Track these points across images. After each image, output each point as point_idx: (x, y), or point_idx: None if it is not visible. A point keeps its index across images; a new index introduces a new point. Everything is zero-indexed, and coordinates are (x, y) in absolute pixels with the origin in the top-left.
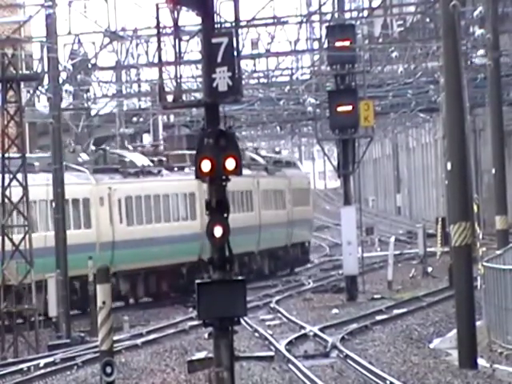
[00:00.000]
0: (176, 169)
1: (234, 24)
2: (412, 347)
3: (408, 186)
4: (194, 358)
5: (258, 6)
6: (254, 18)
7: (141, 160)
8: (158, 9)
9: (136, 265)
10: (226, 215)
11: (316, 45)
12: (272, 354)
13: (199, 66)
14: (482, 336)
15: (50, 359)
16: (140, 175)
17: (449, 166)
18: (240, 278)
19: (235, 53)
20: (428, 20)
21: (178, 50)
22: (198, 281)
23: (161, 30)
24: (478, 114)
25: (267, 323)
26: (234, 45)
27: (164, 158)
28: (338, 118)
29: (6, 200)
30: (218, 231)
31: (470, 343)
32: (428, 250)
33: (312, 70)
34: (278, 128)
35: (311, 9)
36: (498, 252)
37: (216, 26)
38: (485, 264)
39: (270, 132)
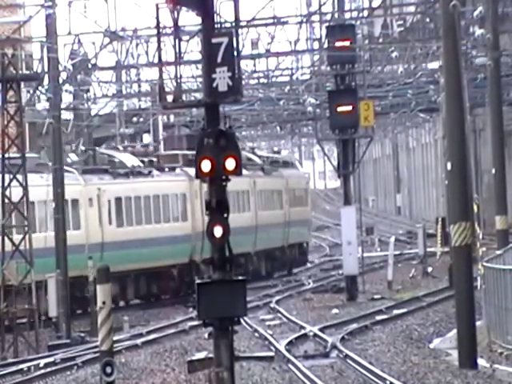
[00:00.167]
0: (167, 169)
1: (234, 24)
2: (412, 347)
3: (408, 186)
4: (193, 357)
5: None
6: (254, 18)
7: (131, 160)
8: (157, 9)
9: (126, 266)
10: (226, 215)
11: (316, 45)
12: (272, 354)
13: (199, 65)
14: (482, 336)
15: (50, 359)
16: (130, 176)
17: (449, 166)
18: (240, 277)
19: (235, 53)
20: (428, 20)
21: (177, 50)
22: (198, 281)
23: (161, 30)
24: (478, 113)
25: (267, 323)
26: (234, 45)
27: (154, 159)
28: (338, 117)
29: (6, 200)
30: (217, 231)
31: (469, 343)
32: (428, 249)
33: (312, 69)
34: (278, 128)
35: (311, 9)
36: (498, 252)
37: (216, 25)
38: (485, 264)
39: (269, 132)
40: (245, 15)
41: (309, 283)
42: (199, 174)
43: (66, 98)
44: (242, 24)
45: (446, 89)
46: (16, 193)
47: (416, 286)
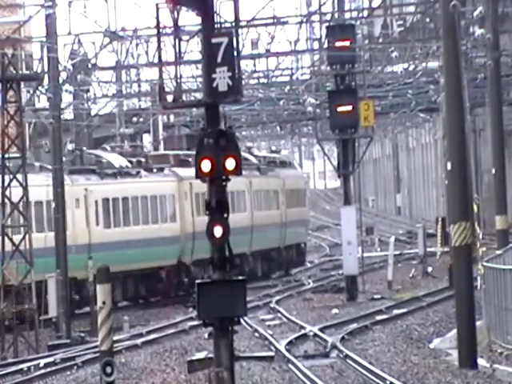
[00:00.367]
0: (155, 170)
1: (234, 24)
2: (412, 347)
3: (408, 186)
4: (193, 357)
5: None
6: (254, 18)
7: (118, 161)
8: (157, 9)
9: (113, 268)
10: (225, 215)
11: (316, 45)
12: (272, 354)
13: (199, 65)
14: (482, 336)
15: (50, 359)
16: (118, 176)
17: (449, 166)
18: (240, 277)
19: (235, 53)
20: (428, 20)
21: (177, 50)
22: (198, 281)
23: (161, 30)
24: (478, 113)
25: (267, 323)
26: (234, 45)
27: (143, 159)
28: (338, 118)
29: (6, 200)
30: (217, 231)
31: (470, 343)
32: (428, 250)
33: (312, 69)
34: (278, 128)
35: (311, 9)
36: (498, 252)
37: (216, 25)
38: (485, 264)
39: (269, 132)
40: (245, 15)
41: (309, 283)
42: (199, 174)
43: (66, 98)
44: (242, 24)
45: (446, 89)
46: (16, 193)
47: (416, 286)
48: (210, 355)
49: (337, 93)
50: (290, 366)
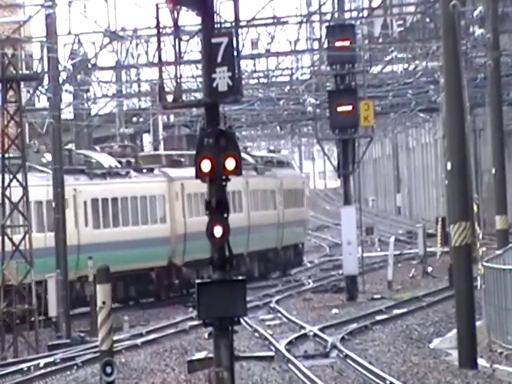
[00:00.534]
0: (145, 170)
1: (234, 24)
2: (412, 347)
3: (408, 185)
4: (194, 357)
5: (258, 5)
6: (254, 18)
7: (108, 161)
8: (157, 9)
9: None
10: (225, 215)
11: (316, 45)
12: (272, 354)
13: (199, 65)
14: (482, 336)
15: (50, 359)
16: (107, 177)
17: (449, 166)
18: (240, 277)
19: (235, 53)
20: (428, 20)
21: (177, 50)
22: (198, 281)
23: (161, 30)
24: (478, 113)
25: (267, 323)
26: (234, 45)
27: (132, 160)
28: (338, 118)
29: (6, 200)
30: (217, 231)
31: (470, 343)
32: (428, 250)
33: (312, 69)
34: (278, 128)
35: (311, 9)
36: (498, 252)
37: (216, 26)
38: (485, 264)
39: (269, 132)
40: (245, 15)
41: (309, 283)
42: (199, 174)
43: (66, 98)
44: (242, 24)
45: (445, 89)
46: (16, 193)
47: (416, 286)
48: (210, 355)
49: (337, 93)
50: (290, 366)
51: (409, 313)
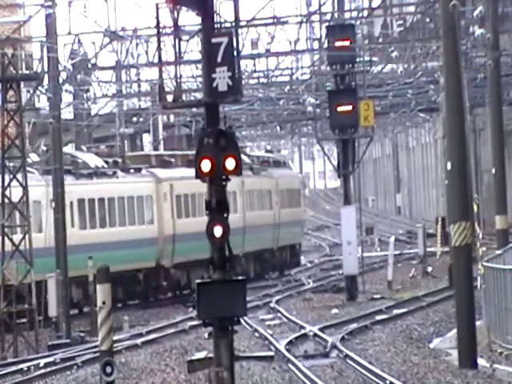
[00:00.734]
0: (132, 170)
1: (233, 24)
2: (412, 347)
3: (408, 185)
4: (193, 357)
5: (257, 5)
6: (253, 18)
7: (94, 161)
8: (157, 9)
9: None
10: (225, 215)
11: (316, 45)
12: (272, 353)
13: (199, 65)
14: (481, 336)
15: (50, 359)
16: (93, 177)
17: (449, 166)
18: (240, 277)
19: (235, 53)
20: (428, 20)
21: (177, 50)
22: (198, 280)
23: (161, 30)
24: (478, 113)
25: (267, 323)
26: (234, 45)
27: (119, 160)
28: (338, 117)
29: (6, 200)
30: (217, 231)
31: (469, 343)
32: (428, 249)
33: (312, 69)
34: (278, 128)
35: (311, 9)
36: (498, 252)
37: (216, 25)
38: (485, 264)
39: (269, 132)
40: (245, 15)
41: (309, 283)
42: (199, 174)
43: (66, 98)
44: (242, 24)
45: (445, 89)
46: (16, 193)
47: (416, 286)
48: (210, 355)
49: (337, 93)
50: (290, 365)
51: (409, 313)
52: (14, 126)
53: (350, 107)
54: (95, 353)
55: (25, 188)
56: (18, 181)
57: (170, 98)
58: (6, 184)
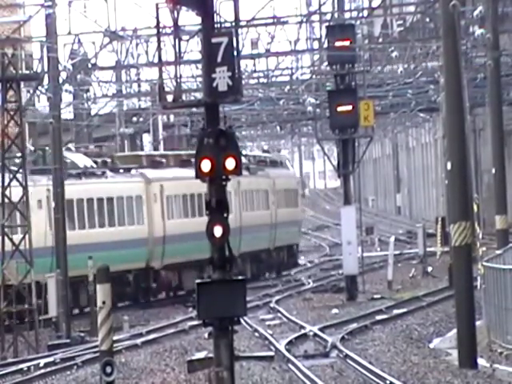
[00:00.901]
0: (122, 170)
1: (233, 24)
2: (412, 347)
3: (408, 185)
4: (193, 357)
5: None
6: (253, 18)
7: (83, 161)
8: (157, 9)
9: (78, 271)
10: (225, 215)
11: (316, 45)
12: (272, 353)
13: (199, 65)
14: (481, 336)
15: (50, 359)
16: (82, 177)
17: (449, 166)
18: (240, 277)
19: (235, 53)
20: (428, 20)
21: (177, 50)
22: (197, 280)
23: (161, 30)
24: (478, 113)
25: (267, 323)
26: (234, 45)
27: (109, 160)
28: (338, 117)
29: (6, 200)
30: (217, 231)
31: (469, 343)
32: (428, 249)
33: (312, 69)
34: (278, 128)
35: (311, 9)
36: (498, 252)
37: (216, 25)
38: (485, 264)
39: (269, 132)
40: (245, 15)
41: (309, 283)
42: (199, 174)
43: (66, 98)
44: (242, 24)
45: (445, 89)
46: (16, 193)
47: (416, 286)
48: (210, 355)
49: (337, 93)
50: (290, 365)
51: (409, 313)
52: (14, 126)
53: (349, 107)
54: (95, 353)
55: (25, 188)
56: (18, 181)
57: (170, 97)
58: (5, 184)
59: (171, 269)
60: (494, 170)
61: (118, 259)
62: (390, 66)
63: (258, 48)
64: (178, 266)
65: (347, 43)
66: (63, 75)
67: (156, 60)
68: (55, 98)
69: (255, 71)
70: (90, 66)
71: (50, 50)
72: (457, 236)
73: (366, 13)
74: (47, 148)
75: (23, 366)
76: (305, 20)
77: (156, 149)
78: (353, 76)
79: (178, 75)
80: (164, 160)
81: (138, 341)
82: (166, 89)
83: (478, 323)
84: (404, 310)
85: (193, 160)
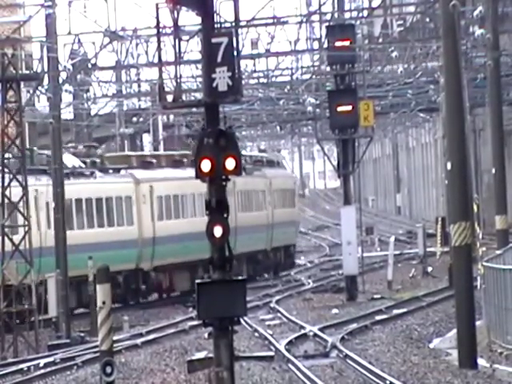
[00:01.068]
0: (111, 171)
1: (233, 24)
2: (412, 347)
3: (408, 185)
4: (193, 357)
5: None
6: (253, 18)
7: (71, 161)
8: (157, 9)
9: (71, 272)
10: (225, 215)
11: (316, 45)
12: (272, 353)
13: (199, 65)
14: (481, 336)
15: (50, 359)
16: (70, 177)
17: (449, 166)
18: (240, 277)
19: (235, 53)
20: (428, 20)
21: (177, 50)
22: (198, 280)
23: (161, 30)
24: (478, 113)
25: (267, 323)
26: (234, 45)
27: (98, 160)
28: (338, 117)
29: (6, 200)
30: (217, 231)
31: (469, 343)
32: (428, 249)
33: (312, 69)
34: (278, 128)
35: (311, 9)
36: (498, 252)
37: (216, 25)
38: (485, 264)
39: (270, 132)
40: (245, 15)
41: (309, 283)
42: (199, 174)
43: (66, 98)
44: (242, 24)
45: (445, 89)
46: (16, 193)
47: (416, 286)
48: (210, 355)
49: (337, 93)
50: (290, 365)
51: (409, 313)
52: (14, 126)
53: (349, 107)
54: (95, 353)
55: (25, 188)
56: (18, 181)
57: (170, 97)
58: (5, 184)
59: (161, 270)
60: (494, 170)
61: (108, 260)
62: (390, 66)
63: (258, 48)
64: (169, 267)
65: (347, 43)
66: (63, 75)
67: (156, 60)
68: (55, 98)
69: (255, 71)
70: (90, 66)
71: (50, 50)
72: (457, 236)
73: (366, 13)
74: (35, 148)
75: (23, 366)
76: (305, 20)
77: (156, 149)
78: (353, 76)
79: (178, 75)
80: (154, 160)
81: (138, 341)
82: (166, 89)
83: (477, 323)
84: (404, 310)
85: (185, 160)
